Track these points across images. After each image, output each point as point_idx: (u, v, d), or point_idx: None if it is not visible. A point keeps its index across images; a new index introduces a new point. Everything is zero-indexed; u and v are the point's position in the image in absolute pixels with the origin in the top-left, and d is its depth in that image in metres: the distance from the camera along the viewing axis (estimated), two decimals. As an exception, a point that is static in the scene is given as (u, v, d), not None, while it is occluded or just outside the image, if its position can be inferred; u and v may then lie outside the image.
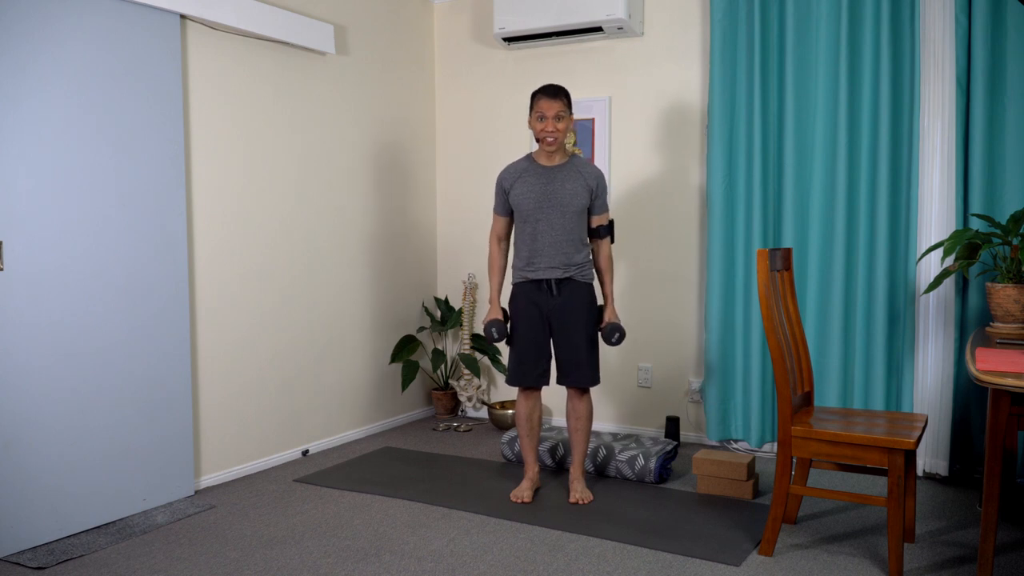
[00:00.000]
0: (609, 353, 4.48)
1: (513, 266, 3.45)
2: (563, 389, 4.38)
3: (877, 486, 3.55)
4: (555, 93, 3.29)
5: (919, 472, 3.65)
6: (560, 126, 3.28)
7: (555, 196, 3.33)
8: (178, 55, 3.36)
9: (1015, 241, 3.15)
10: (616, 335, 3.37)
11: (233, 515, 3.24)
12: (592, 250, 3.45)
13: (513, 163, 3.43)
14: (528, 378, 3.39)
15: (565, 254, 3.33)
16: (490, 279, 3.51)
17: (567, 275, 3.34)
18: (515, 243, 3.44)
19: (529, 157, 3.42)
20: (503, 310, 3.48)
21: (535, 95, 3.33)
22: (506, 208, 3.43)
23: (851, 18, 3.68)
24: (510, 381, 3.45)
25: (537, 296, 3.36)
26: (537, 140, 3.33)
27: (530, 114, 3.35)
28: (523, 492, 3.39)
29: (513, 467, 3.86)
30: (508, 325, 3.43)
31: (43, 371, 2.93)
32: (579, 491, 3.38)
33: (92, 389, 3.08)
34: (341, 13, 4.22)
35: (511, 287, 3.47)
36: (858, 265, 3.74)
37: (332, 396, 4.26)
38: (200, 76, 3.51)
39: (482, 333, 3.45)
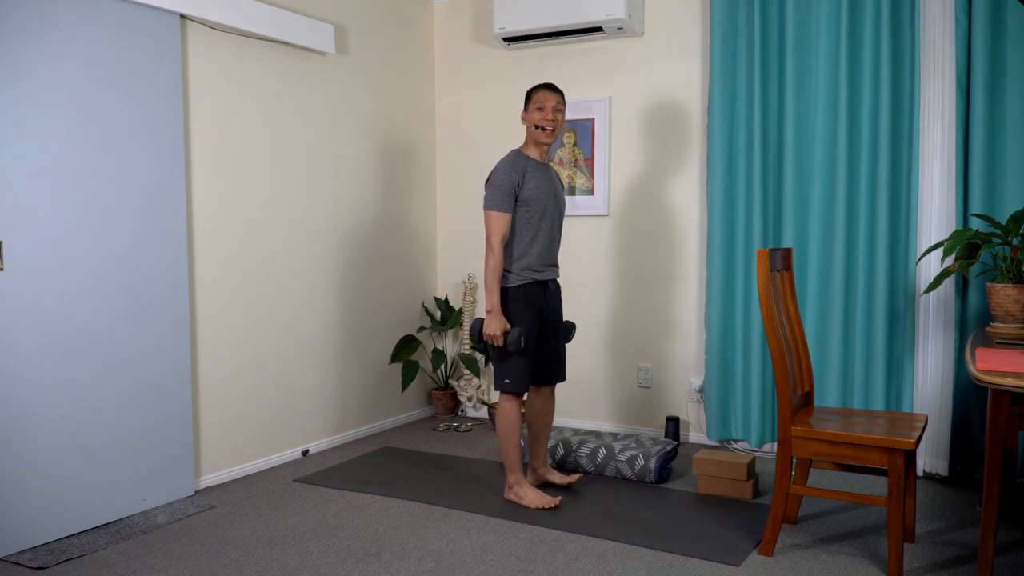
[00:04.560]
0: (609, 353, 4.48)
1: (517, 267, 3.28)
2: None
3: (877, 486, 3.55)
4: (554, 88, 3.35)
5: (919, 472, 3.65)
6: (559, 118, 3.32)
7: (557, 193, 3.41)
8: (178, 55, 3.36)
9: (1015, 241, 3.15)
10: (574, 331, 3.59)
11: (233, 515, 3.24)
12: None
13: (510, 158, 3.29)
14: (532, 380, 3.38)
15: (557, 253, 3.44)
16: (495, 286, 3.22)
17: (556, 276, 3.45)
18: (523, 241, 3.27)
19: (521, 153, 3.33)
20: None
21: (533, 90, 3.36)
22: (513, 204, 3.24)
23: (851, 18, 3.68)
24: (521, 388, 3.28)
25: (540, 298, 3.34)
26: (536, 128, 3.30)
27: (526, 108, 3.35)
28: (549, 498, 3.30)
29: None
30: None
31: (43, 371, 2.93)
32: (561, 474, 3.54)
33: (92, 389, 3.08)
34: (341, 13, 4.22)
35: (502, 289, 3.28)
36: (858, 265, 3.74)
37: (332, 396, 4.26)
38: (200, 76, 3.51)
39: (498, 343, 3.23)
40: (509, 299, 3.28)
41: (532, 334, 3.28)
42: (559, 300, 3.48)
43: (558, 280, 3.49)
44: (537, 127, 3.30)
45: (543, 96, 3.31)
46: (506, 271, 3.29)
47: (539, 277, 3.32)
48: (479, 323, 3.28)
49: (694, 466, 3.48)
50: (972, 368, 2.34)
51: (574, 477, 3.50)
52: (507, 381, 3.28)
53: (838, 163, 3.75)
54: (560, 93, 3.34)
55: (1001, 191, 3.50)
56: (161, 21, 3.29)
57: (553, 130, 3.30)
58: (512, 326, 3.25)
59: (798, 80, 3.83)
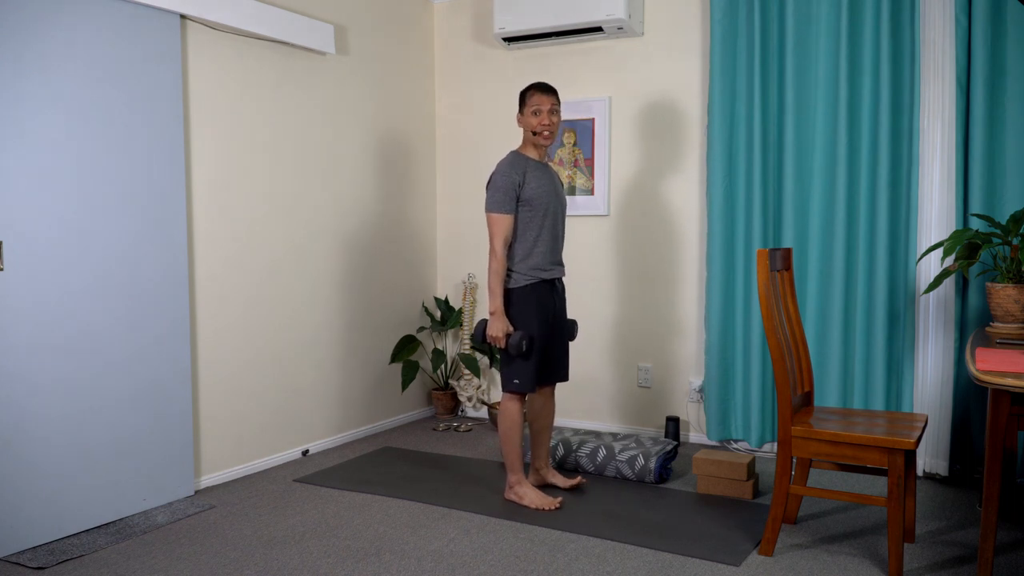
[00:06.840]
0: (609, 353, 4.48)
1: (524, 267, 3.27)
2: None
3: (877, 486, 3.55)
4: (548, 89, 3.33)
5: (919, 472, 3.65)
6: (555, 120, 3.32)
7: (559, 192, 3.41)
8: (178, 55, 3.36)
9: (1015, 241, 3.15)
10: (576, 328, 3.57)
11: (233, 515, 3.24)
12: None
13: (510, 159, 3.29)
14: (541, 379, 3.38)
15: (561, 251, 3.43)
16: (498, 288, 3.23)
17: (562, 274, 3.44)
18: (527, 241, 3.27)
19: (520, 154, 3.33)
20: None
21: (527, 91, 3.33)
22: (515, 205, 3.24)
23: (851, 18, 3.68)
24: (530, 388, 3.27)
25: (547, 297, 3.34)
26: (533, 134, 3.30)
27: (521, 111, 3.34)
28: (549, 499, 3.30)
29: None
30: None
31: (43, 371, 2.93)
32: (564, 477, 3.53)
33: (92, 389, 3.08)
34: (341, 13, 4.22)
35: (509, 290, 3.28)
36: (858, 265, 3.74)
37: (332, 396, 4.26)
38: (200, 76, 3.51)
39: (500, 344, 3.24)
40: (515, 300, 3.27)
41: (539, 335, 3.27)
42: (564, 300, 3.48)
43: (563, 280, 3.48)
44: (535, 133, 3.30)
45: (538, 99, 3.29)
46: (513, 272, 3.28)
47: (546, 276, 3.32)
48: (483, 325, 3.29)
49: (694, 466, 3.48)
50: (972, 368, 2.34)
51: (576, 480, 3.49)
52: (516, 382, 3.27)
53: (838, 163, 3.75)
54: (554, 93, 3.33)
55: (1001, 191, 3.50)
56: (161, 21, 3.29)
57: (551, 134, 3.31)
58: (516, 328, 3.25)
59: (798, 80, 3.83)
